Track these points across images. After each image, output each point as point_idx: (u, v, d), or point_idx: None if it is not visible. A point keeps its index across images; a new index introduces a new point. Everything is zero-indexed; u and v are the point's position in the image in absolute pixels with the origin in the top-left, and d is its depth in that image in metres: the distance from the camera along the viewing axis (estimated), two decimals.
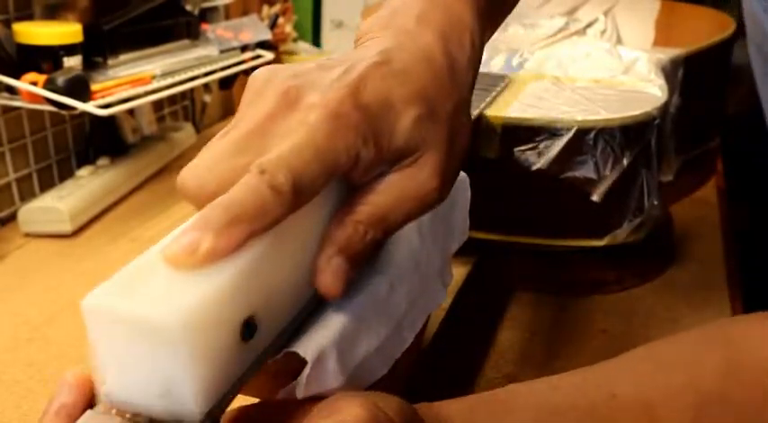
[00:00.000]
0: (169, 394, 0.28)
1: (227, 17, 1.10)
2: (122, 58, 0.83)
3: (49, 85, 0.73)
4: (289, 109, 0.34)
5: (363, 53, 0.37)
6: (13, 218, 0.81)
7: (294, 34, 1.37)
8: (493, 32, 0.47)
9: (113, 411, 0.29)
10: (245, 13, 1.15)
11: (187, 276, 0.28)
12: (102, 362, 0.29)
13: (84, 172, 0.86)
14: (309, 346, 0.33)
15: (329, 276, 0.34)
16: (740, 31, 0.86)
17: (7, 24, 0.77)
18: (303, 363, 0.33)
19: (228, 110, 1.21)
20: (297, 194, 0.31)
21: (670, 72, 0.74)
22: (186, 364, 0.27)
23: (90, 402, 0.30)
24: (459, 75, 0.39)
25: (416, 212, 0.37)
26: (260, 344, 0.32)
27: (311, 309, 0.35)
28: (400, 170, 0.36)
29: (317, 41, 1.49)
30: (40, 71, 0.75)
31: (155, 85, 0.84)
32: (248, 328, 0.30)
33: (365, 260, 0.36)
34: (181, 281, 0.28)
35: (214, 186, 0.32)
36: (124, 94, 0.80)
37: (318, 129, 0.33)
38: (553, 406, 0.37)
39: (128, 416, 0.29)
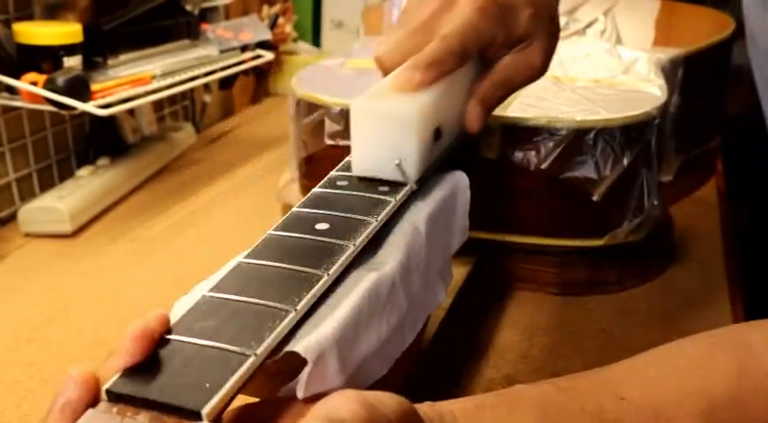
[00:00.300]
0: (400, 164, 0.45)
1: (227, 17, 1.10)
2: (122, 58, 0.83)
3: (49, 85, 0.73)
4: (449, 6, 0.51)
5: None
6: (13, 218, 0.81)
7: (294, 34, 1.37)
8: None
9: (114, 410, 0.29)
10: (245, 13, 1.15)
11: (407, 95, 0.46)
12: (360, 146, 0.46)
13: (84, 172, 0.86)
14: (310, 345, 0.33)
15: (473, 117, 0.52)
16: (740, 32, 0.86)
17: (7, 24, 0.77)
18: (303, 362, 0.33)
19: (228, 110, 1.21)
20: (463, 55, 0.49)
21: (670, 72, 0.74)
22: (413, 141, 0.45)
23: (94, 399, 0.30)
24: None
25: (527, 81, 0.54)
26: (441, 145, 0.50)
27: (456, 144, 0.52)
28: (519, 51, 0.53)
29: (317, 41, 1.49)
30: (40, 71, 0.75)
31: (155, 85, 0.84)
32: (437, 133, 0.49)
33: (495, 108, 0.54)
34: (405, 97, 0.46)
35: (401, 58, 0.49)
36: (124, 94, 0.80)
37: (473, 17, 0.49)
38: (560, 408, 0.37)
39: (129, 414, 0.29)
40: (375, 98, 0.46)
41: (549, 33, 0.54)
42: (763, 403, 0.38)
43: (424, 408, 0.35)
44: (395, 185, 0.46)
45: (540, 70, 0.54)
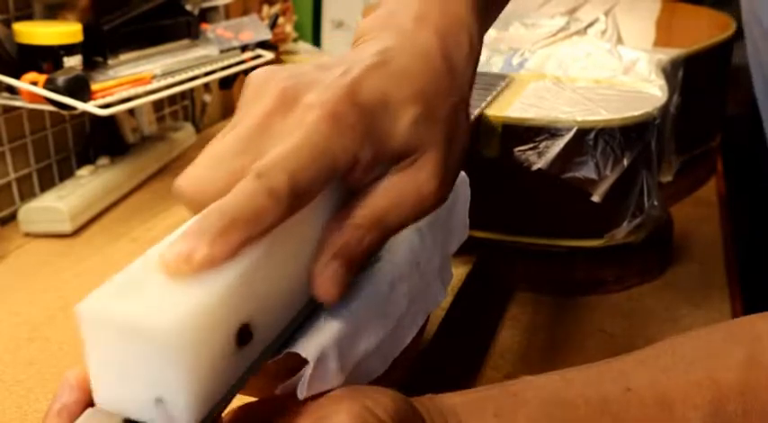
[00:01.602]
0: (162, 402, 0.28)
1: (228, 17, 1.10)
2: (122, 57, 0.83)
3: (50, 85, 0.73)
4: (287, 109, 0.34)
5: (361, 54, 0.37)
6: (13, 217, 0.81)
7: (294, 34, 1.37)
8: (488, 29, 0.47)
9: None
10: (245, 12, 1.15)
11: (182, 283, 0.28)
12: (96, 368, 0.29)
13: (84, 172, 0.86)
14: (310, 346, 0.33)
15: (326, 282, 0.33)
16: (740, 32, 0.86)
17: (7, 24, 0.77)
18: (303, 363, 0.33)
19: (228, 110, 1.21)
20: (294, 198, 0.31)
21: (670, 72, 0.74)
22: (180, 372, 0.27)
23: (91, 401, 0.30)
24: (458, 74, 0.39)
25: (416, 215, 0.36)
26: (255, 350, 0.31)
27: (307, 313, 0.35)
28: (398, 172, 0.36)
29: (317, 41, 1.49)
30: (41, 71, 0.75)
31: (155, 84, 0.84)
32: (243, 335, 0.30)
33: (362, 264, 0.35)
34: (176, 287, 0.28)
35: (212, 191, 0.32)
36: (124, 94, 0.80)
37: (316, 129, 0.32)
38: (565, 399, 0.36)
39: None
40: (120, 293, 0.29)
41: (450, 139, 0.37)
42: None
43: (424, 401, 0.35)
44: None
45: (435, 196, 0.37)
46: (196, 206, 0.32)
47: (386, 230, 0.35)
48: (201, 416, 0.28)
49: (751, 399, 0.36)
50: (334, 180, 0.33)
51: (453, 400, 0.35)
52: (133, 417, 0.29)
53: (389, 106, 0.35)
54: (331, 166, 0.33)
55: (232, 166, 0.32)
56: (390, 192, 0.35)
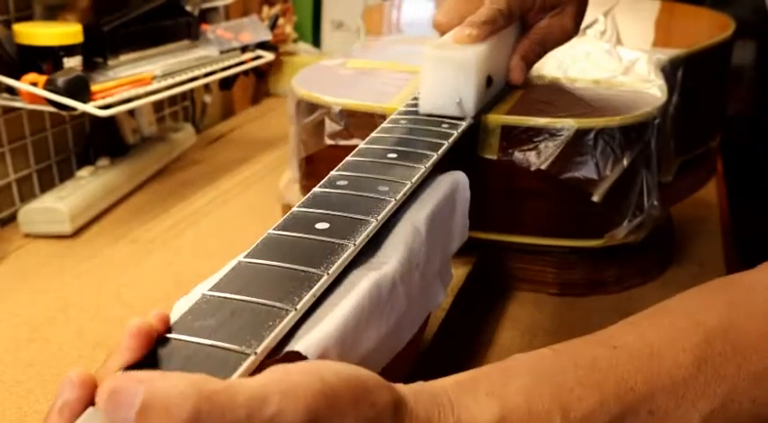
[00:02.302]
0: (461, 102, 0.58)
1: (228, 18, 1.10)
2: (122, 58, 0.83)
3: (50, 86, 0.73)
4: None
5: None
6: (13, 218, 0.81)
7: (294, 35, 1.37)
8: None
9: None
10: (245, 13, 1.15)
11: (465, 47, 0.59)
12: (428, 88, 0.58)
13: (84, 172, 0.86)
14: (312, 344, 0.33)
15: (516, 69, 0.66)
16: (740, 31, 0.86)
17: (7, 25, 0.77)
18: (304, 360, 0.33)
19: (228, 110, 1.21)
20: (510, 16, 0.62)
21: (670, 72, 0.74)
22: (472, 82, 0.58)
23: (92, 400, 0.30)
24: None
25: (561, 41, 0.67)
26: (491, 92, 0.63)
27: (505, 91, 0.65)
28: (553, 16, 0.65)
29: (317, 42, 1.49)
30: (41, 72, 0.75)
31: (155, 85, 0.84)
32: (489, 80, 0.61)
33: (534, 63, 0.68)
34: (464, 48, 0.59)
35: (457, 20, 0.61)
36: (124, 95, 0.80)
37: None
38: (555, 368, 0.37)
39: None
40: (440, 48, 0.59)
41: (580, 1, 0.66)
42: (756, 325, 0.38)
43: (414, 386, 0.35)
44: (395, 184, 0.46)
45: (571, 32, 0.66)
46: (448, 30, 0.62)
47: (546, 47, 0.67)
48: (475, 112, 0.59)
49: (734, 336, 0.37)
50: (523, 13, 0.64)
51: (444, 382, 0.36)
52: (443, 112, 0.58)
53: None
54: (523, 5, 0.63)
55: (466, 8, 0.62)
56: (549, 26, 0.65)
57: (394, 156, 0.50)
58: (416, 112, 0.59)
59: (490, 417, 0.34)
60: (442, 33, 0.63)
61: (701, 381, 0.36)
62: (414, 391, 0.34)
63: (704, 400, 0.36)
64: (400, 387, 0.34)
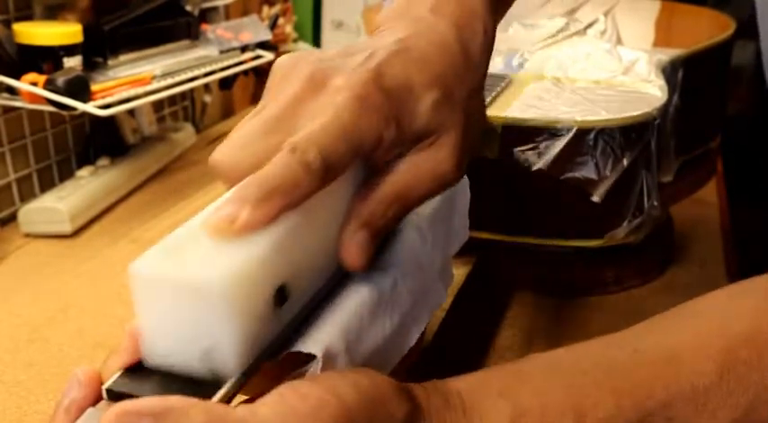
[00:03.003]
0: (209, 353, 0.30)
1: (228, 17, 1.10)
2: (122, 58, 0.83)
3: (50, 86, 0.73)
4: (316, 90, 0.37)
5: (382, 41, 0.39)
6: (13, 218, 0.81)
7: (294, 35, 1.37)
8: (501, 19, 0.49)
9: None
10: (245, 13, 1.15)
11: (226, 245, 0.31)
12: (147, 325, 0.32)
13: (84, 172, 0.86)
14: (315, 342, 0.33)
15: (354, 249, 0.37)
16: (740, 32, 0.86)
17: (7, 24, 0.77)
18: (305, 363, 0.33)
19: (228, 110, 1.21)
20: (326, 171, 0.34)
21: (670, 72, 0.74)
22: (227, 324, 0.30)
23: (98, 398, 0.31)
24: (474, 60, 0.42)
25: (434, 191, 0.40)
26: (289, 312, 0.34)
27: (335, 282, 0.38)
28: (419, 151, 0.39)
29: (317, 42, 1.49)
30: (41, 71, 0.75)
31: (155, 85, 0.84)
32: (281, 296, 0.33)
33: (384, 235, 0.39)
34: (221, 249, 0.31)
35: (246, 165, 0.35)
36: (124, 95, 0.80)
37: (345, 110, 0.35)
38: (571, 370, 0.35)
39: None
40: (169, 255, 0.31)
41: (466, 120, 0.40)
42: None
43: (426, 385, 0.34)
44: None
45: (452, 174, 0.40)
46: (231, 179, 0.35)
47: (407, 204, 0.39)
48: (245, 367, 0.31)
49: (760, 343, 0.35)
50: (360, 157, 0.36)
51: (457, 383, 0.35)
52: (179, 371, 0.31)
53: (411, 90, 0.38)
54: (359, 143, 0.35)
55: (265, 142, 0.36)
56: (411, 169, 0.38)
57: None
58: None
59: (503, 418, 0.33)
60: (228, 184, 0.36)
61: (724, 389, 0.35)
62: (427, 393, 0.34)
63: (726, 409, 0.34)
64: (415, 389, 0.33)
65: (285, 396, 0.29)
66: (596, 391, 0.34)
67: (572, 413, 0.34)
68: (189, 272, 0.30)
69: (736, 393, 0.34)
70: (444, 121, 0.39)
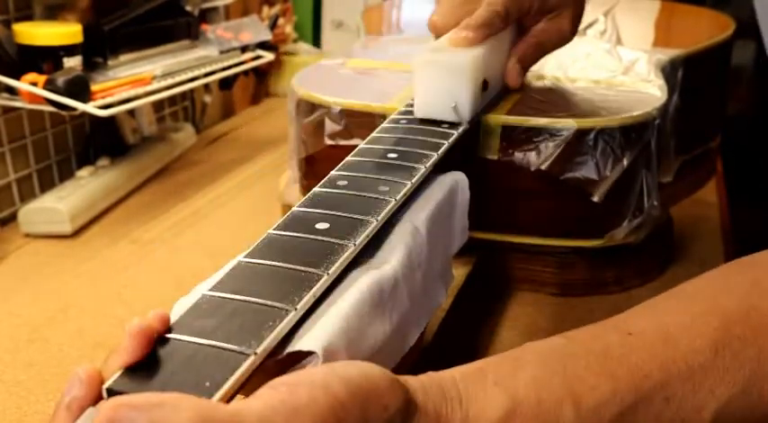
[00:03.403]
0: (456, 107, 0.56)
1: (228, 18, 1.10)
2: (122, 58, 0.83)
3: (49, 86, 0.73)
4: None
5: None
6: (13, 218, 0.81)
7: (294, 35, 1.37)
8: None
9: None
10: (245, 13, 1.15)
11: (462, 50, 0.57)
12: (422, 92, 0.57)
13: (84, 172, 0.86)
14: (317, 341, 0.33)
15: (513, 73, 0.64)
16: (740, 32, 0.86)
17: (7, 25, 0.77)
18: (308, 363, 0.33)
19: (228, 110, 1.21)
20: (506, 19, 0.60)
21: (670, 72, 0.74)
22: (467, 86, 0.56)
23: (98, 397, 0.30)
24: None
25: (558, 44, 0.66)
26: (487, 96, 0.61)
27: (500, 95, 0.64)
28: (551, 19, 0.64)
29: (317, 42, 1.49)
30: (41, 71, 0.75)
31: (155, 85, 0.84)
32: (485, 84, 0.59)
33: (530, 66, 0.67)
34: (458, 51, 0.57)
35: (453, 23, 0.59)
36: (124, 95, 0.80)
37: None
38: (566, 356, 0.36)
39: None
40: (435, 52, 0.57)
41: (577, 3, 0.64)
42: None
43: (421, 377, 0.34)
44: (395, 183, 0.46)
45: (569, 35, 0.65)
46: (444, 32, 0.60)
47: (543, 51, 0.66)
48: (471, 116, 0.57)
49: (755, 319, 0.36)
50: (520, 16, 0.62)
51: (454, 373, 0.35)
52: (440, 117, 0.56)
53: None
54: (520, 7, 0.61)
55: (464, 8, 0.60)
56: (547, 29, 0.64)
57: (394, 156, 0.50)
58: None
59: (499, 408, 0.33)
60: (438, 35, 0.61)
61: (720, 366, 0.35)
62: (423, 385, 0.34)
63: (722, 386, 0.35)
64: (410, 380, 0.33)
65: (276, 390, 0.29)
66: (592, 376, 0.35)
67: (569, 399, 0.34)
68: (448, 58, 0.56)
69: (732, 370, 0.35)
70: (566, 1, 0.63)
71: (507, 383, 0.34)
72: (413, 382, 0.33)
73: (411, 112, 0.58)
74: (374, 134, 0.55)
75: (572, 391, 0.34)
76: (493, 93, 0.63)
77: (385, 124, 0.57)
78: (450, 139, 0.53)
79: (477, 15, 0.58)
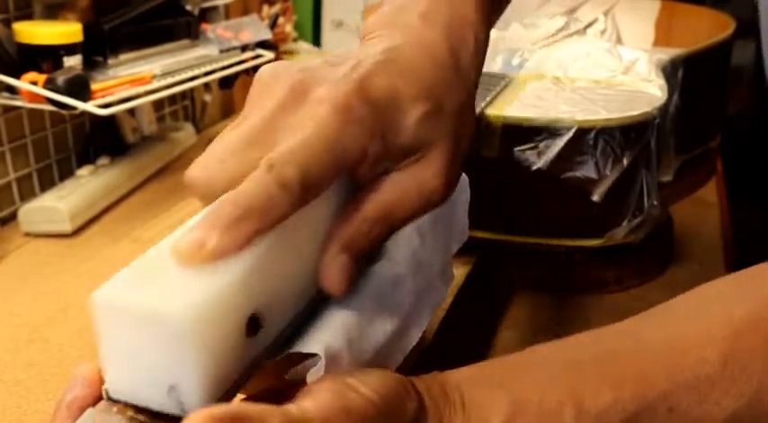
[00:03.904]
0: (175, 389, 0.28)
1: (228, 17, 1.10)
2: (122, 57, 0.83)
3: (50, 85, 0.73)
4: (297, 102, 0.34)
5: (369, 50, 0.38)
6: (13, 217, 0.81)
7: (294, 34, 1.37)
8: (493, 26, 0.47)
9: (114, 409, 0.29)
10: (245, 12, 1.15)
11: (195, 272, 0.29)
12: (110, 356, 0.30)
13: (84, 172, 0.86)
14: (318, 343, 0.33)
15: (334, 274, 0.34)
16: (740, 31, 0.86)
17: (7, 24, 0.77)
18: (308, 363, 0.33)
19: (228, 109, 1.21)
20: (305, 190, 0.31)
21: (670, 72, 0.74)
22: (193, 358, 0.28)
23: (100, 397, 0.31)
24: (464, 71, 0.39)
25: (420, 210, 0.37)
26: (264, 340, 0.32)
27: (314, 306, 0.35)
28: (405, 167, 0.36)
29: (317, 41, 1.49)
30: (41, 71, 0.75)
31: (155, 84, 0.84)
32: (253, 325, 0.31)
33: (368, 257, 0.37)
34: (189, 276, 0.29)
35: (223, 182, 0.32)
36: (124, 94, 0.80)
37: (327, 123, 0.33)
38: (572, 361, 0.35)
39: (129, 413, 0.29)
40: (134, 282, 0.30)
41: (456, 136, 0.38)
42: None
43: (426, 378, 0.34)
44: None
45: (440, 193, 0.38)
46: (207, 196, 0.33)
47: (392, 224, 0.36)
48: (211, 403, 0.29)
49: (765, 329, 0.35)
50: (342, 173, 0.34)
51: (457, 375, 0.35)
52: (145, 404, 0.29)
53: (398, 102, 0.36)
54: (340, 159, 0.33)
55: (243, 158, 0.33)
56: (397, 187, 0.36)
57: None
58: None
59: (499, 412, 0.33)
60: (205, 201, 0.33)
61: (727, 377, 0.34)
62: (427, 387, 0.33)
63: (729, 398, 0.34)
64: (417, 383, 0.33)
65: (327, 392, 0.30)
66: (596, 382, 0.34)
67: (571, 404, 0.33)
68: (153, 302, 0.28)
69: (740, 382, 0.34)
70: (433, 135, 0.37)
71: (510, 385, 0.34)
72: (419, 384, 0.34)
73: None
74: None
75: (575, 396, 0.34)
76: (285, 319, 0.34)
77: None
78: None
79: (240, 195, 0.31)
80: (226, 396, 0.30)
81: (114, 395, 0.30)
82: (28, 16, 0.81)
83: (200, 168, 0.33)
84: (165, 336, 0.28)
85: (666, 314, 0.38)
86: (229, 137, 0.34)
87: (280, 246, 0.32)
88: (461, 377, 0.35)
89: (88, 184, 0.83)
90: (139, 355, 0.29)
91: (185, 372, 0.28)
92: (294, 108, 0.34)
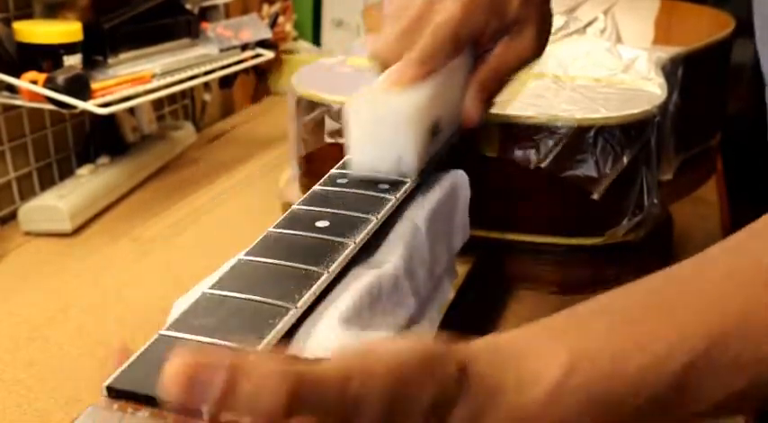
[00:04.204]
0: (399, 160, 0.46)
1: (227, 16, 1.10)
2: (122, 56, 0.83)
3: (50, 84, 0.73)
4: (434, 4, 0.51)
5: None
6: (13, 217, 0.81)
7: (294, 33, 1.37)
8: None
9: (115, 406, 0.29)
10: (245, 11, 1.15)
11: (403, 92, 0.47)
12: (359, 143, 0.47)
13: (84, 171, 0.86)
14: (314, 340, 0.33)
15: (472, 107, 0.53)
16: (740, 30, 0.86)
17: (7, 23, 0.77)
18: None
19: (228, 108, 1.21)
20: (455, 46, 0.50)
21: (670, 71, 0.74)
22: (413, 137, 0.46)
23: None
24: None
25: (523, 65, 0.55)
26: (438, 141, 0.50)
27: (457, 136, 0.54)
28: (512, 37, 0.54)
29: (317, 40, 1.49)
30: (41, 70, 0.75)
31: (155, 83, 0.84)
32: (435, 128, 0.49)
33: (494, 96, 0.56)
34: (401, 94, 0.47)
35: (396, 55, 0.50)
36: (124, 93, 0.80)
37: (463, 7, 0.50)
38: (627, 306, 0.34)
39: (129, 410, 0.29)
40: (371, 97, 0.47)
41: (542, 16, 0.55)
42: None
43: (480, 343, 0.33)
44: (395, 183, 0.45)
45: (534, 53, 0.55)
46: (384, 64, 0.50)
47: (506, 75, 0.55)
48: (419, 171, 0.47)
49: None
50: (474, 40, 0.52)
51: (515, 333, 0.34)
52: (380, 175, 0.46)
53: None
54: (472, 29, 0.51)
55: (406, 40, 0.50)
56: (508, 50, 0.54)
57: None
58: None
59: (557, 366, 0.31)
60: (383, 67, 0.51)
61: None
62: (479, 349, 0.33)
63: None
64: (465, 346, 0.33)
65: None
66: (658, 323, 0.33)
67: (635, 348, 0.32)
68: (386, 105, 0.46)
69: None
70: (527, 15, 0.53)
71: (566, 337, 0.32)
72: (469, 346, 0.33)
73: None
74: None
75: (637, 341, 0.32)
76: (448, 133, 0.53)
77: None
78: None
79: (420, 48, 0.49)
80: (425, 168, 0.48)
81: (357, 172, 0.47)
82: (28, 15, 0.81)
83: (380, 47, 0.52)
84: (399, 122, 0.46)
85: (705, 260, 0.38)
86: (395, 26, 0.51)
87: (444, 82, 0.50)
88: (518, 333, 0.33)
89: (88, 184, 0.83)
90: (381, 139, 0.46)
91: (408, 147, 0.46)
92: (437, 3, 0.50)
